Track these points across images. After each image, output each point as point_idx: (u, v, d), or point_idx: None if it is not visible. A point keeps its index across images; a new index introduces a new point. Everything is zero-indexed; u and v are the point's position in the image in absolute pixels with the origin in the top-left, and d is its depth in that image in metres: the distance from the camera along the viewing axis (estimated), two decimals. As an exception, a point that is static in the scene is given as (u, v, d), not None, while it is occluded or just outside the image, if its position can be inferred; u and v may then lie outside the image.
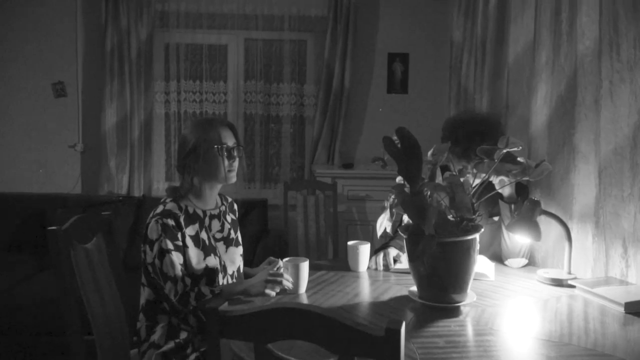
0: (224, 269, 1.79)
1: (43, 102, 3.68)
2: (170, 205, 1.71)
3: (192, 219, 1.74)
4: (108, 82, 3.56)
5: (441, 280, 1.45)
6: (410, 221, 1.47)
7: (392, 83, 3.85)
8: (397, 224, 1.63)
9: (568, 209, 1.99)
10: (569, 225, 1.86)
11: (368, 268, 1.88)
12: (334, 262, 2.01)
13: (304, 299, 1.56)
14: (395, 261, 1.91)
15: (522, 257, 1.97)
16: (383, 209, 1.61)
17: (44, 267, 3.12)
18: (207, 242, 1.75)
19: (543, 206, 1.79)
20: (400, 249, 1.95)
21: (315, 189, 3.40)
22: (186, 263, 1.68)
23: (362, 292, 1.65)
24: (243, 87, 3.82)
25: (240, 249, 1.91)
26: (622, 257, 1.73)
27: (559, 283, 1.74)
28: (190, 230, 1.71)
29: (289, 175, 3.92)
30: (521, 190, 1.96)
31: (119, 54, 3.56)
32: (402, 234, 1.50)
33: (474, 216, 1.35)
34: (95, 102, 3.64)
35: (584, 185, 1.91)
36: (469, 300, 1.49)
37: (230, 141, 1.77)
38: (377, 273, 1.84)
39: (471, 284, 1.50)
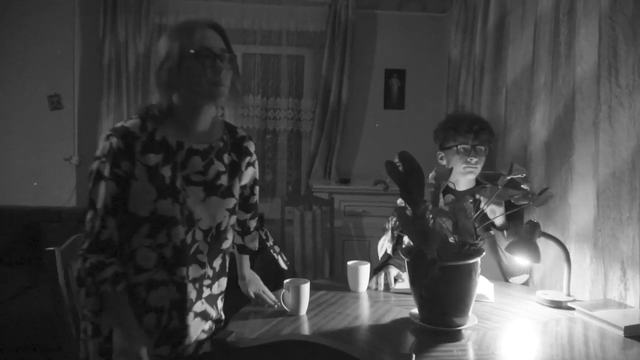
0: (190, 221, 1.40)
1: (38, 114, 3.67)
2: (130, 123, 1.39)
3: (155, 147, 1.38)
4: (105, 95, 3.55)
5: (443, 304, 1.45)
6: (411, 242, 1.47)
7: (389, 99, 3.87)
8: (396, 241, 1.64)
9: (565, 229, 2.00)
10: (567, 246, 1.86)
11: (368, 288, 1.87)
12: (333, 281, 2.00)
13: (305, 321, 1.55)
14: (395, 280, 1.91)
15: (524, 273, 1.99)
16: (384, 231, 1.62)
17: (38, 281, 3.09)
18: (167, 180, 1.37)
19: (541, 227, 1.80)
20: (400, 267, 1.95)
21: (312, 204, 3.40)
22: (128, 199, 1.36)
23: (363, 313, 1.65)
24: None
25: (230, 202, 1.50)
26: (620, 279, 1.74)
27: (558, 305, 1.74)
28: (148, 159, 1.36)
29: (286, 189, 3.92)
30: (513, 215, 1.98)
31: (116, 67, 3.56)
32: (403, 256, 1.50)
33: (476, 241, 1.35)
34: (91, 115, 3.63)
35: (582, 207, 1.92)
36: (471, 324, 1.49)
37: (215, 45, 1.39)
38: (377, 294, 1.84)
39: (472, 306, 1.50)
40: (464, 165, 2.10)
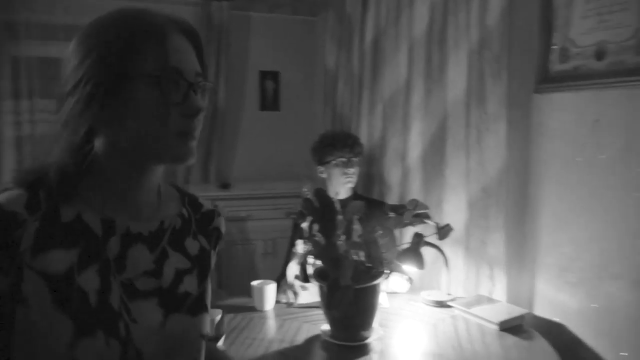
0: None
1: None
2: (7, 196, 0.73)
3: (66, 234, 0.74)
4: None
5: (354, 322, 1.58)
6: (324, 267, 1.57)
7: (264, 101, 3.92)
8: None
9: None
10: (442, 249, 2.11)
11: (277, 302, 1.94)
12: (233, 298, 2.04)
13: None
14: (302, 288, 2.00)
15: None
16: (294, 256, 1.70)
17: None
18: (93, 295, 0.73)
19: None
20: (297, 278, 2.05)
21: (194, 213, 3.34)
22: (7, 346, 0.70)
23: (276, 336, 1.70)
24: (108, 105, 3.57)
25: (203, 321, 0.87)
26: (489, 277, 2.03)
27: (441, 304, 1.98)
28: (49, 263, 0.72)
29: (163, 196, 3.77)
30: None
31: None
32: (315, 280, 1.60)
33: (385, 267, 1.50)
34: None
35: (454, 214, 2.19)
36: (376, 336, 1.64)
37: (188, 66, 0.78)
38: (284, 311, 1.91)
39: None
40: (344, 177, 2.34)
